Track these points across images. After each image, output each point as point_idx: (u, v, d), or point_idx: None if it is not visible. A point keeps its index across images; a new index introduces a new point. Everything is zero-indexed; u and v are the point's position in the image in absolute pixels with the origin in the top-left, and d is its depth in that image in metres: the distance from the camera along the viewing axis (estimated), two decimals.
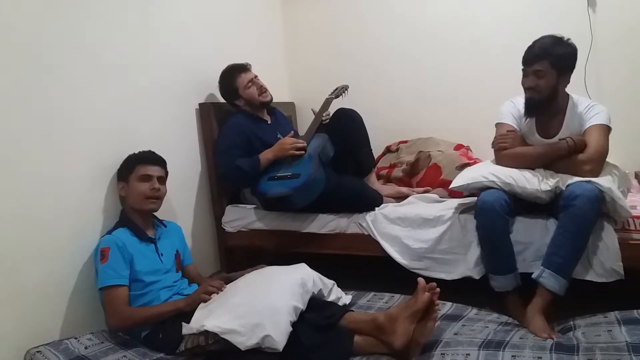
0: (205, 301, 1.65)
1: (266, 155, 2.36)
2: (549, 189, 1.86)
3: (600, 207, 1.80)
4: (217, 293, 1.68)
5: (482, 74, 2.93)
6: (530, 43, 1.95)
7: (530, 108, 2.01)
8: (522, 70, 1.97)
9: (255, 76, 2.50)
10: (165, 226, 1.98)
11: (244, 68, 2.49)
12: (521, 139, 2.03)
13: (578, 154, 1.88)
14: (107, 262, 1.69)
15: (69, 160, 1.79)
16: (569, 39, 1.92)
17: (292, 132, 2.54)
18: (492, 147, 2.06)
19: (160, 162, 1.93)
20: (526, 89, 1.98)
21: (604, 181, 1.81)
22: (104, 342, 1.64)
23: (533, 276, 1.82)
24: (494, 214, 1.88)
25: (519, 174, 1.92)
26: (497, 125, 2.10)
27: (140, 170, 1.85)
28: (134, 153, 1.93)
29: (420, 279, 1.59)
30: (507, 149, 1.99)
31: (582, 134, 1.93)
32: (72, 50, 1.82)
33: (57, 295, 1.73)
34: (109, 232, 1.79)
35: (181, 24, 2.43)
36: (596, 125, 1.91)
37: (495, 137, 2.05)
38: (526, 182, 1.89)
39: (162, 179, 1.91)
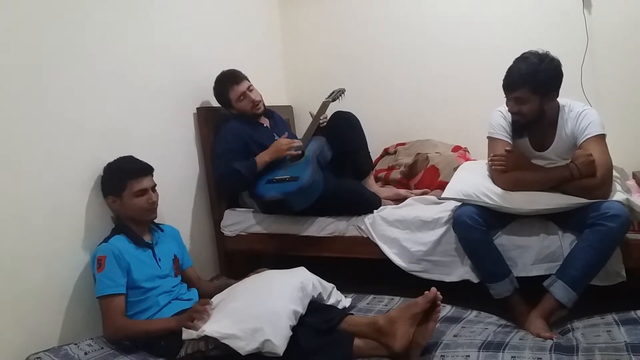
0: (190, 328, 1.59)
1: (263, 158, 2.35)
2: (552, 207, 1.85)
3: None
4: (203, 318, 1.61)
5: (480, 75, 2.93)
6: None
7: (518, 130, 2.00)
8: (504, 94, 1.93)
9: (249, 86, 2.46)
10: (162, 230, 1.97)
11: (237, 79, 2.44)
12: (520, 158, 1.94)
13: (586, 178, 1.81)
14: (104, 271, 1.69)
15: (67, 164, 1.79)
16: (550, 58, 1.85)
17: (287, 133, 2.53)
18: (489, 165, 2.00)
19: (150, 170, 1.87)
20: (510, 113, 1.96)
21: (622, 196, 1.81)
22: (103, 347, 1.64)
23: (544, 284, 1.82)
24: (468, 228, 1.89)
25: (515, 193, 1.89)
26: (491, 140, 2.03)
27: (134, 187, 1.80)
28: (117, 164, 1.85)
29: (434, 289, 1.58)
30: (506, 171, 1.92)
31: (578, 147, 1.88)
32: (71, 53, 1.82)
33: (56, 301, 1.73)
34: (105, 240, 1.77)
35: (179, 27, 2.44)
36: (592, 138, 1.85)
37: (491, 155, 1.98)
38: (523, 204, 1.87)
39: (154, 187, 1.89)
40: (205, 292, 1.96)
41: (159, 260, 1.86)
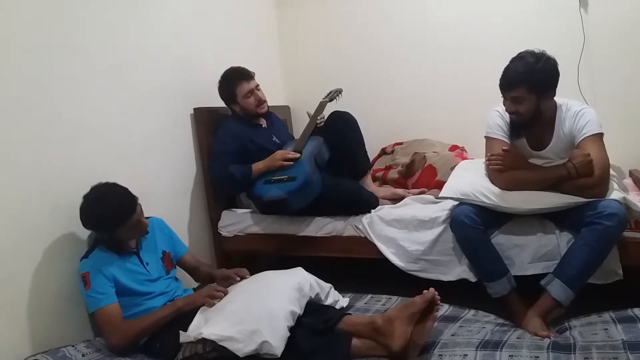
0: (210, 305, 1.65)
1: (258, 166, 2.35)
2: (550, 206, 1.85)
3: None
4: (221, 298, 1.67)
5: (477, 75, 2.94)
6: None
7: (516, 130, 2.00)
8: (501, 94, 1.93)
9: (257, 86, 2.47)
10: (147, 232, 1.88)
11: (246, 76, 2.44)
12: (517, 158, 1.94)
13: (583, 177, 1.80)
14: (91, 287, 1.66)
15: (65, 164, 1.78)
16: (546, 57, 1.85)
17: (289, 140, 2.51)
18: (486, 164, 2.00)
19: (135, 203, 1.73)
20: (508, 113, 1.97)
21: (619, 195, 1.81)
22: (101, 349, 1.64)
23: (541, 282, 1.82)
24: (465, 227, 1.89)
25: (512, 193, 1.89)
26: (488, 139, 2.03)
27: (123, 232, 1.71)
28: (102, 212, 1.67)
29: (432, 289, 1.59)
30: (503, 170, 1.92)
31: (576, 147, 1.88)
32: (69, 53, 1.82)
33: (53, 303, 1.72)
34: (86, 256, 1.72)
35: (177, 27, 2.44)
36: (590, 137, 1.85)
37: (489, 155, 1.99)
38: (521, 203, 1.87)
39: (142, 212, 1.77)
40: (208, 275, 1.98)
41: (147, 264, 1.82)
